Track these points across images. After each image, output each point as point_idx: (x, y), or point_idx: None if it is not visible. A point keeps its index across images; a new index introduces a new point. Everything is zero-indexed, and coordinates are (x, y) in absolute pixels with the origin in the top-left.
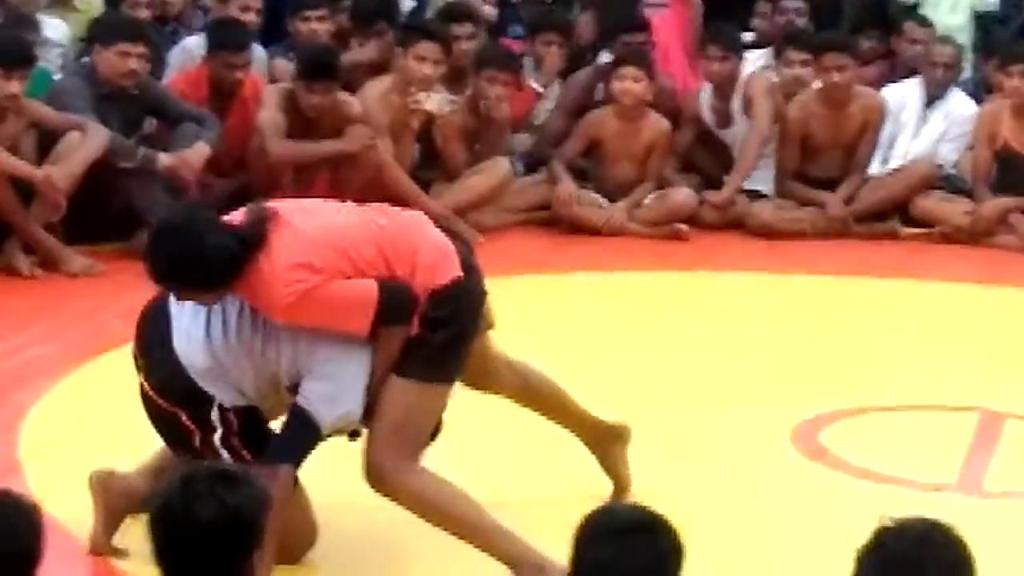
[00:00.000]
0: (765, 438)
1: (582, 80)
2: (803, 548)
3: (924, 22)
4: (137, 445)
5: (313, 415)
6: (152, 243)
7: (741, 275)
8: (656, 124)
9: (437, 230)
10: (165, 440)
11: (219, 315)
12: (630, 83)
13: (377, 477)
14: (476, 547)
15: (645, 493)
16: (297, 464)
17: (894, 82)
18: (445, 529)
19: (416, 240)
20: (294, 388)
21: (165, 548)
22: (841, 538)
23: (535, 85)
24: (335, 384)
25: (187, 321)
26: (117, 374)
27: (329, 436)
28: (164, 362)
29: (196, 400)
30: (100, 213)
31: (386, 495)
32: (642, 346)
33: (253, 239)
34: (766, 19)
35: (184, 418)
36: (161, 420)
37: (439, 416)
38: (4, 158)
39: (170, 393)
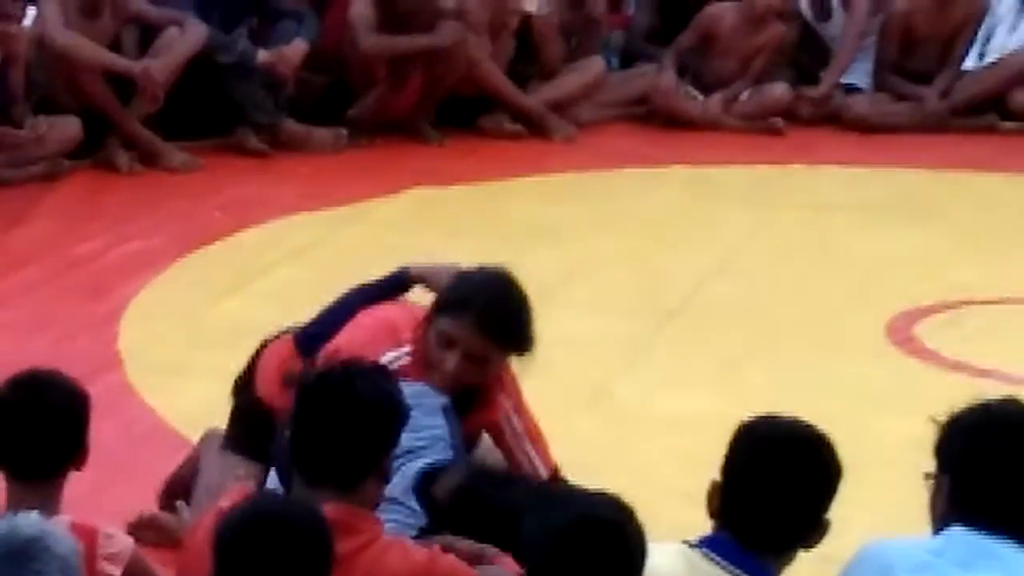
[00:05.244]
0: (860, 330)
1: None
2: (891, 439)
3: None
4: (234, 337)
5: None
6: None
7: (837, 169)
8: (774, 26)
9: None
10: None
11: None
12: None
13: None
14: None
15: (737, 384)
16: None
17: None
18: None
19: None
20: None
21: (312, 422)
22: (930, 430)
23: None
24: None
25: None
26: (216, 267)
27: None
28: None
29: None
30: (199, 108)
31: None
32: (737, 239)
33: None
34: None
35: None
36: None
37: None
38: (101, 53)
39: None
